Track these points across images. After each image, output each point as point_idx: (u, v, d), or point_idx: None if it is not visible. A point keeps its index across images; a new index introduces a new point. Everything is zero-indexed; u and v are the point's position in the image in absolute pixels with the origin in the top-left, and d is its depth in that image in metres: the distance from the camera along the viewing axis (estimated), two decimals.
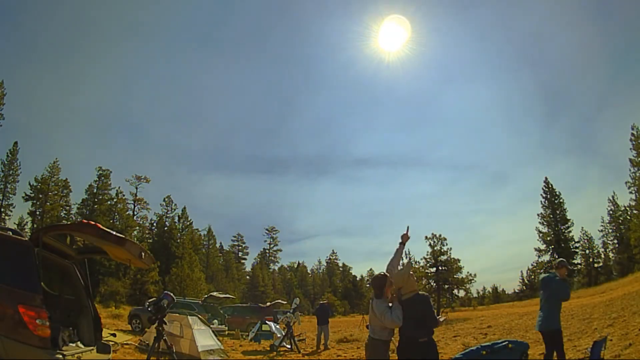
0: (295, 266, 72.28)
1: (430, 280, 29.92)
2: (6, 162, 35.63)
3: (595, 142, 65.97)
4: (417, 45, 55.16)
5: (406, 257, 38.08)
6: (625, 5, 57.72)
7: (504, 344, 4.02)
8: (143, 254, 4.64)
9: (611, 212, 42.51)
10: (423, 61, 77.80)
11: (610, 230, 42.80)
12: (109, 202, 39.07)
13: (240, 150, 59.27)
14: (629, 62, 62.28)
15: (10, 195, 35.75)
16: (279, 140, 62.95)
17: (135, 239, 36.36)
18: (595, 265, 42.74)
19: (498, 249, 65.69)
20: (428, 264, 31.23)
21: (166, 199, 44.21)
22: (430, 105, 75.15)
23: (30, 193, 36.62)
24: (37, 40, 60.71)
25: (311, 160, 64.22)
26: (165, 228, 42.64)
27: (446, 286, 29.45)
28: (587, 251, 43.42)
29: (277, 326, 12.76)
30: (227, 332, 15.73)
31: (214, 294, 18.75)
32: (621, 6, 59.54)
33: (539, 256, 41.92)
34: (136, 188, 42.14)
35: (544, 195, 42.67)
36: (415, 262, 35.32)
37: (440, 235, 30.83)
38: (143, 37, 64.41)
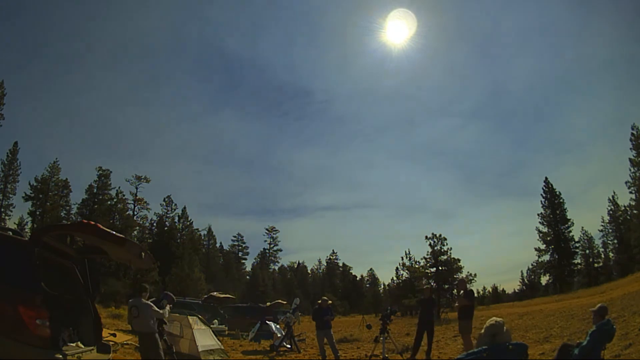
0: (295, 266, 72.32)
1: (431, 280, 29.92)
2: (6, 162, 35.63)
3: (515, 187, 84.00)
4: (421, 39, 56.21)
5: (407, 259, 38.11)
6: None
7: (504, 345, 4.02)
8: (143, 254, 4.64)
9: (611, 212, 42.49)
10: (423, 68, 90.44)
11: (610, 230, 42.79)
12: (109, 202, 38.95)
13: (240, 205, 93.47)
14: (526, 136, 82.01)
15: (10, 195, 35.77)
16: (265, 200, 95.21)
17: (135, 239, 36.34)
18: (595, 265, 42.75)
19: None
20: (428, 264, 31.25)
21: (166, 199, 44.26)
22: (361, 176, 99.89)
23: (30, 193, 36.59)
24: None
25: (289, 210, 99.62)
26: (165, 228, 42.60)
27: (446, 286, 29.42)
28: (587, 251, 43.44)
29: (277, 326, 12.75)
30: (227, 332, 15.74)
31: (214, 294, 18.69)
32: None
33: (539, 256, 42.05)
34: (136, 188, 41.96)
35: (544, 195, 42.70)
36: (416, 262, 35.37)
37: (440, 235, 30.83)
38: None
